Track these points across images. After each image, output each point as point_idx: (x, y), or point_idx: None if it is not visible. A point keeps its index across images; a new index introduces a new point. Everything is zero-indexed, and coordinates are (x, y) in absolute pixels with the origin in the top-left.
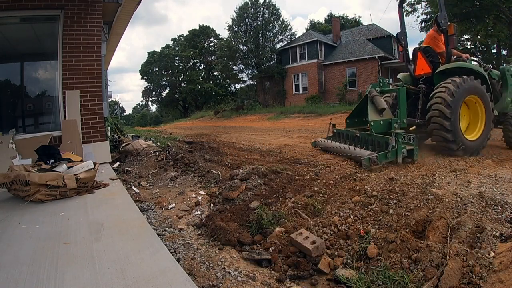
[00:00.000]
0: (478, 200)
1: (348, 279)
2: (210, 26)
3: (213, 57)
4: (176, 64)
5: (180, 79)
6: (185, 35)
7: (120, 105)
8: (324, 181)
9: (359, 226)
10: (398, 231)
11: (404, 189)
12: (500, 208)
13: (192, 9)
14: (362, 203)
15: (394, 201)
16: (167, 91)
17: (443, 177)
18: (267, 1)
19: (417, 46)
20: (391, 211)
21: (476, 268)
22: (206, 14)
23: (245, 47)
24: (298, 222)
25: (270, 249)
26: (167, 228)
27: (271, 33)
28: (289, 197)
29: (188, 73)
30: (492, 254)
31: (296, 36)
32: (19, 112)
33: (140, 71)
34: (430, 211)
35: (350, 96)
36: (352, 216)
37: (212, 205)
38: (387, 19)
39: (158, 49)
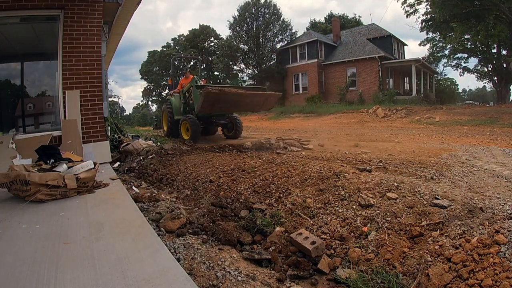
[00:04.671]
0: None
1: (347, 279)
2: (211, 26)
3: (213, 57)
4: (176, 64)
5: (180, 78)
6: (185, 34)
7: (121, 105)
8: None
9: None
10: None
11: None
12: None
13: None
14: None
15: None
16: (167, 91)
17: None
18: (267, 1)
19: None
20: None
21: None
22: (209, 15)
23: (245, 47)
24: (298, 222)
25: (270, 249)
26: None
27: (272, 33)
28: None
29: (189, 72)
30: None
31: (297, 36)
32: (19, 112)
33: (140, 71)
34: None
35: (350, 96)
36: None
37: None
38: (387, 19)
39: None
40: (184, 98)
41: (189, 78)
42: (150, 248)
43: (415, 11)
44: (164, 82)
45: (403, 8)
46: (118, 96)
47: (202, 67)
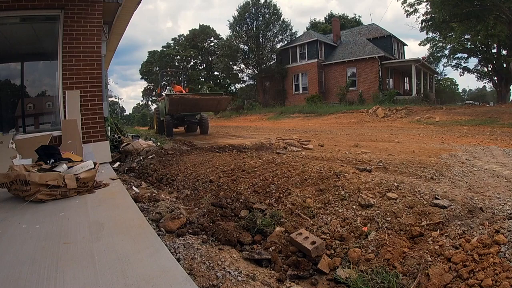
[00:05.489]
0: None
1: (347, 279)
2: (211, 26)
3: (213, 57)
4: (176, 64)
5: (180, 78)
6: (185, 34)
7: (121, 105)
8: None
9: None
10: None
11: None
12: None
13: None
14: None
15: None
16: (167, 91)
17: None
18: (267, 1)
19: None
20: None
21: None
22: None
23: (245, 47)
24: (298, 222)
25: (270, 249)
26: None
27: (272, 33)
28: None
29: (189, 73)
30: None
31: (297, 36)
32: (19, 112)
33: (140, 71)
34: None
35: (350, 96)
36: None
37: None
38: (387, 19)
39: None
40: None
41: (175, 88)
42: (150, 248)
43: (415, 10)
44: (164, 82)
45: (403, 8)
46: (118, 97)
47: (202, 67)
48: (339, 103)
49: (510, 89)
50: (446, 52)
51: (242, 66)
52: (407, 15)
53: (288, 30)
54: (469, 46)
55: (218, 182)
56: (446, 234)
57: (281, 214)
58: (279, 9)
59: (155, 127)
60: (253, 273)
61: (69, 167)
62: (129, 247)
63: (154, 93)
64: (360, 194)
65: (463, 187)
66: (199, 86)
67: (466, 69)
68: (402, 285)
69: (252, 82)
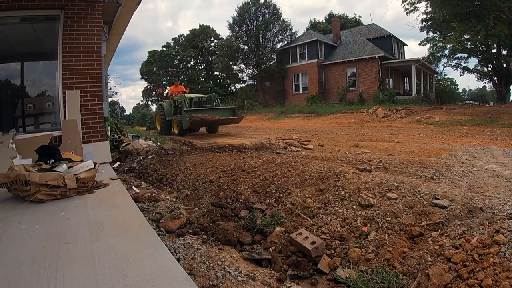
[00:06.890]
0: None
1: (347, 279)
2: (211, 26)
3: (213, 57)
4: (176, 64)
5: (180, 78)
6: (185, 34)
7: (121, 105)
8: None
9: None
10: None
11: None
12: None
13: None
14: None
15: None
16: (167, 91)
17: None
18: (267, 1)
19: None
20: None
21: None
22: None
23: (245, 47)
24: (298, 222)
25: (270, 249)
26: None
27: (271, 33)
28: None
29: (189, 72)
30: None
31: (297, 36)
32: (19, 112)
33: (140, 70)
34: None
35: (350, 96)
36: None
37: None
38: (387, 19)
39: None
40: (174, 103)
41: (178, 87)
42: (150, 248)
43: (415, 9)
44: (164, 82)
45: (403, 6)
46: (116, 93)
47: (202, 66)
48: (339, 103)
49: (510, 89)
50: (446, 52)
51: (242, 66)
52: (406, 13)
53: (288, 30)
54: (469, 46)
55: (218, 182)
56: (446, 234)
57: (281, 214)
58: (279, 9)
59: (158, 127)
60: (253, 273)
61: (69, 167)
62: (129, 247)
63: (154, 93)
64: (360, 194)
65: (463, 187)
66: (203, 87)
67: (466, 69)
68: (402, 285)
69: (252, 82)
